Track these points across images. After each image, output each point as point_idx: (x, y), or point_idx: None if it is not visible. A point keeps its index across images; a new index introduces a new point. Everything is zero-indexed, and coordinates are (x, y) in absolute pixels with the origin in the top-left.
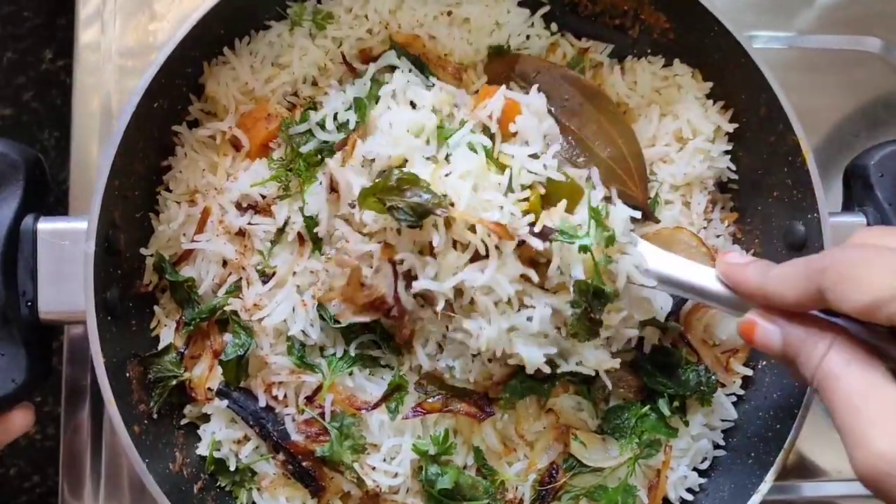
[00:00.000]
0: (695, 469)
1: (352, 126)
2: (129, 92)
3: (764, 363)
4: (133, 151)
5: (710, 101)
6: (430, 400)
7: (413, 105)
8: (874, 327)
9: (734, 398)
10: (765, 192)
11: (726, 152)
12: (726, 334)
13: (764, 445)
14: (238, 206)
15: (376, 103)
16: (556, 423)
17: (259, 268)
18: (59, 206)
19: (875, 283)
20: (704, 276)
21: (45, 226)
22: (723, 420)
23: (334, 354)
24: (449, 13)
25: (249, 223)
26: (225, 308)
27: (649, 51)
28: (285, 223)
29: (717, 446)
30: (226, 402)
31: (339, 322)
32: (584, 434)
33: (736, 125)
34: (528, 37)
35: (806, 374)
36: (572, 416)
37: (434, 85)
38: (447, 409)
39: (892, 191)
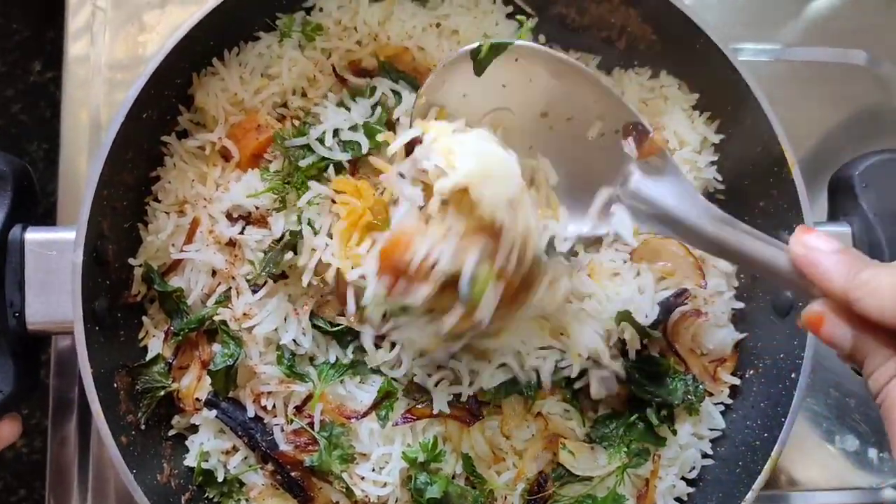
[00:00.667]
0: (683, 478)
1: (365, 150)
2: (118, 104)
3: (752, 372)
4: (122, 162)
5: (697, 112)
6: (419, 406)
7: None
8: None
9: (722, 407)
10: (751, 203)
11: (712, 163)
12: (714, 343)
13: (751, 454)
14: (229, 216)
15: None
16: (544, 432)
17: (249, 278)
18: (47, 218)
19: None
20: (770, 252)
21: (33, 236)
22: (711, 429)
23: (325, 363)
24: (437, 25)
25: (241, 233)
26: (214, 318)
27: (636, 62)
28: (283, 235)
29: (704, 455)
30: (214, 412)
31: (337, 325)
32: (573, 443)
33: (722, 136)
34: None
35: (870, 385)
36: (560, 424)
37: None
38: (436, 415)
39: (877, 201)
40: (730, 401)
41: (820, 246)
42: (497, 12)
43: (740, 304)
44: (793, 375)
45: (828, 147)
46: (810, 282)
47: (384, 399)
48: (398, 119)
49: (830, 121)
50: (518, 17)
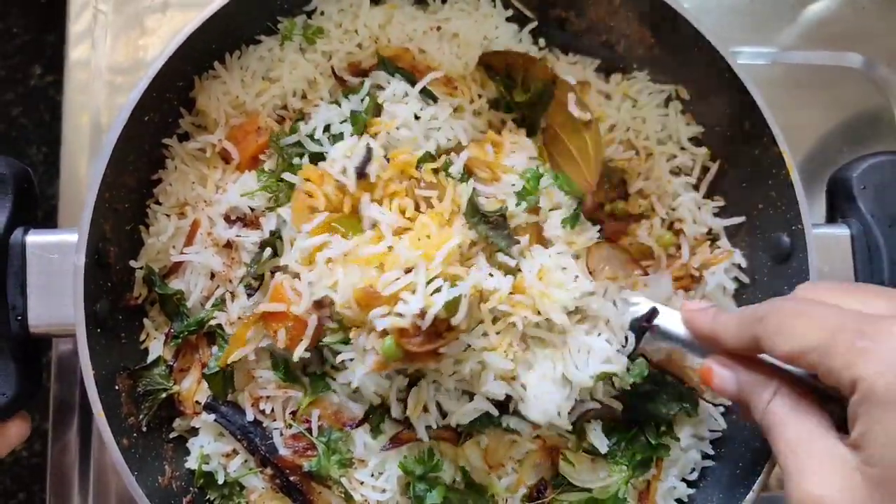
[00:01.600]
0: (683, 479)
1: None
2: (119, 108)
3: None
4: (123, 164)
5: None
6: (405, 430)
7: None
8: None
9: (722, 409)
10: (750, 205)
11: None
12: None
13: (751, 455)
14: (227, 218)
15: (375, 116)
16: (542, 445)
17: (245, 281)
18: (47, 221)
19: (801, 334)
20: (673, 320)
21: (35, 239)
22: (711, 430)
23: (313, 372)
24: (438, 28)
25: (238, 235)
26: (210, 321)
27: (635, 66)
28: (271, 234)
29: (705, 456)
30: (213, 416)
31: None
32: (573, 454)
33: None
34: None
35: (756, 416)
36: (558, 439)
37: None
38: (420, 440)
39: (875, 202)
40: (730, 402)
41: (694, 306)
42: (497, 16)
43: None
44: None
45: (825, 150)
46: (694, 334)
47: (375, 410)
48: (384, 103)
49: (828, 123)
50: None
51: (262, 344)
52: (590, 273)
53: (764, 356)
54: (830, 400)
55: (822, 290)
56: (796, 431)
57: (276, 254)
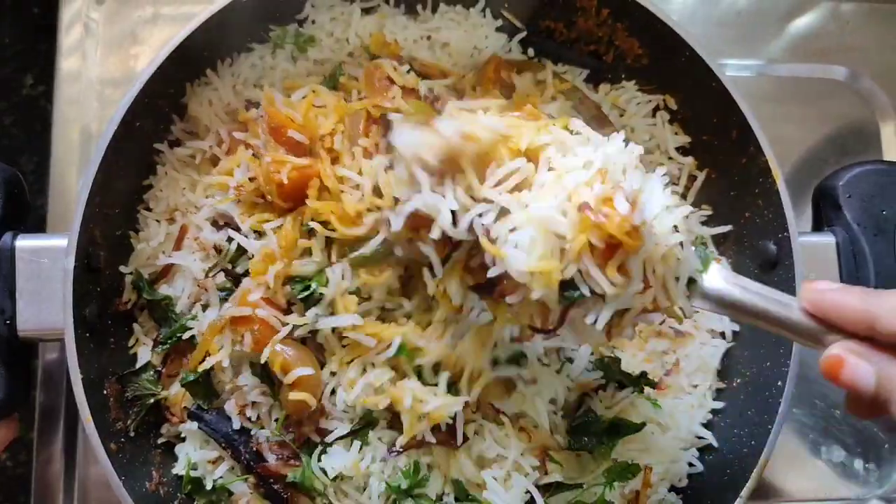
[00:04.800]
0: (672, 488)
1: None
2: (109, 119)
3: (738, 381)
4: (114, 169)
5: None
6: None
7: None
8: None
9: (710, 416)
10: (737, 213)
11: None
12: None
13: (739, 462)
14: (215, 223)
15: None
16: (529, 443)
17: (219, 279)
18: (35, 230)
19: None
20: (781, 307)
21: (24, 243)
22: (699, 437)
23: None
24: (428, 37)
25: (228, 239)
26: (188, 329)
27: (623, 75)
28: None
29: (692, 464)
30: (196, 424)
31: None
32: (560, 454)
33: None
34: None
35: None
36: (547, 438)
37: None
38: (423, 444)
39: (860, 211)
40: (720, 405)
41: (827, 287)
42: (487, 26)
43: (735, 326)
44: (779, 383)
45: (811, 161)
46: (825, 325)
47: (364, 427)
48: None
49: (813, 134)
50: None
51: (238, 348)
52: None
53: None
54: None
55: None
56: None
57: (243, 251)
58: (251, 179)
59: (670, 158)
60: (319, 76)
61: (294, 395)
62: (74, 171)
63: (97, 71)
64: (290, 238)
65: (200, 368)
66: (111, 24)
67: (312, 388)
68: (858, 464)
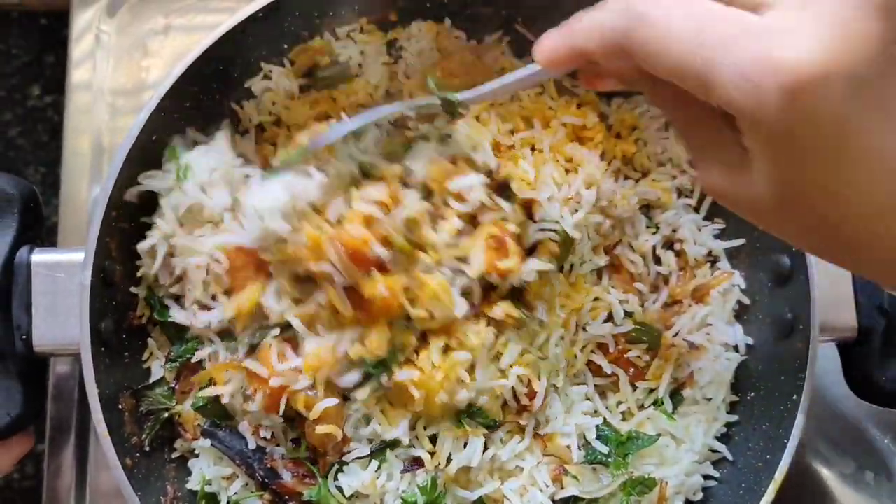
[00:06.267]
0: (687, 502)
1: None
2: (120, 130)
3: (753, 395)
4: (129, 183)
5: None
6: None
7: None
8: None
9: (724, 429)
10: (750, 226)
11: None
12: (710, 375)
13: (755, 476)
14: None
15: None
16: (545, 453)
17: None
18: (45, 243)
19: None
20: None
21: (40, 258)
22: (712, 451)
23: None
24: None
25: None
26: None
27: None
28: None
29: (707, 477)
30: (209, 441)
31: None
32: (575, 468)
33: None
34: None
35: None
36: (563, 451)
37: None
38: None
39: None
40: (734, 418)
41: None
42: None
43: (749, 339)
44: (794, 397)
45: None
46: (566, 61)
47: (383, 448)
48: None
49: None
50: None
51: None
52: None
53: None
54: None
55: None
56: None
57: None
58: None
59: (683, 171)
60: None
61: (321, 429)
62: (86, 181)
63: (108, 82)
64: None
65: (205, 394)
66: (123, 35)
67: (337, 419)
68: (869, 476)
